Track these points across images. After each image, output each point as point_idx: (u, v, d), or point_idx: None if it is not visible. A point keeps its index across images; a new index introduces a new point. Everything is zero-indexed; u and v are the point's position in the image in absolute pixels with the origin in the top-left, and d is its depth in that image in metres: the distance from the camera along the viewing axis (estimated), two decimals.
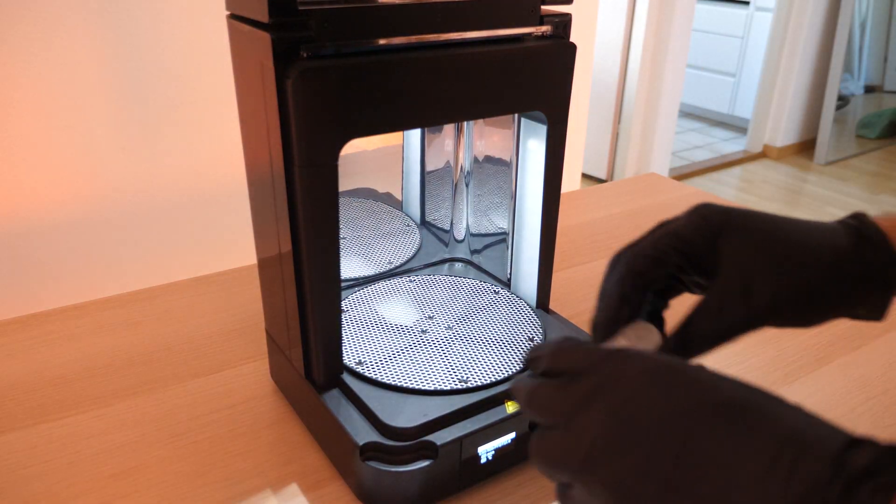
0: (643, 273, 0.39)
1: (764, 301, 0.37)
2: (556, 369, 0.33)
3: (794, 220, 0.40)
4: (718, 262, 0.38)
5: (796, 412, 0.29)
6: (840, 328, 0.78)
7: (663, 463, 0.28)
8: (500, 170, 0.82)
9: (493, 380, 0.56)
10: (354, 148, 0.84)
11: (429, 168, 0.81)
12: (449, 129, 0.74)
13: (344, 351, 0.59)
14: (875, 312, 0.39)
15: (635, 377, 0.30)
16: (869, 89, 3.78)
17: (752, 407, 0.29)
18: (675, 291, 0.42)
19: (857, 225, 0.38)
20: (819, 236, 0.38)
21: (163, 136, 1.13)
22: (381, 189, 0.86)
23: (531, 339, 0.62)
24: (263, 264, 0.61)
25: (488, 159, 0.81)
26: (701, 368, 0.31)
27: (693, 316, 0.39)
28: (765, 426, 0.28)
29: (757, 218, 0.39)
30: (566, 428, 0.31)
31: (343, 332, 0.60)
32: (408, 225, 0.82)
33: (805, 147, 3.81)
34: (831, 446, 0.27)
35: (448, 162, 0.76)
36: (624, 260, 0.39)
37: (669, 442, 0.28)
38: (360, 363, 0.58)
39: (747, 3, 3.84)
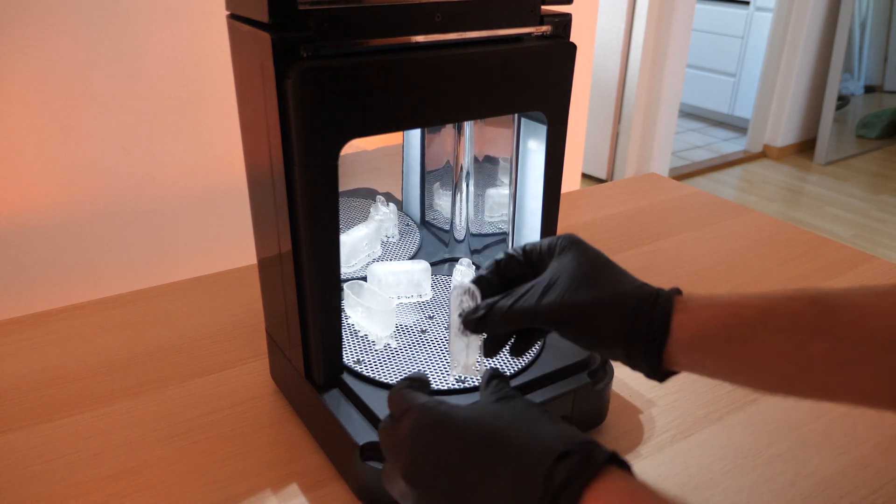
0: (501, 264, 0.50)
1: (553, 302, 0.44)
2: (391, 413, 0.44)
3: (619, 270, 0.46)
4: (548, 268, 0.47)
5: (536, 431, 0.36)
6: None
7: (443, 493, 0.38)
8: (500, 170, 0.82)
9: None
10: (354, 148, 0.85)
11: (429, 168, 0.81)
12: (449, 129, 0.74)
13: (344, 351, 0.59)
14: (643, 369, 0.43)
15: (420, 429, 0.40)
16: (869, 89, 3.78)
17: (496, 441, 0.37)
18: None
19: (655, 296, 0.43)
20: (624, 284, 0.44)
21: (163, 136, 1.13)
22: (381, 189, 0.86)
23: None
24: (263, 264, 0.61)
25: (488, 159, 0.81)
26: (460, 410, 0.40)
27: (498, 297, 0.47)
28: (505, 456, 0.36)
29: (593, 255, 0.47)
30: (394, 461, 0.42)
31: (343, 331, 0.60)
32: (408, 225, 0.82)
33: (805, 147, 3.81)
34: (546, 463, 0.34)
35: (448, 162, 0.76)
36: (494, 260, 0.51)
37: (444, 477, 0.38)
38: (359, 362, 0.58)
39: (747, 3, 3.84)
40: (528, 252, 0.50)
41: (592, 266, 0.46)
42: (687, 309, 0.41)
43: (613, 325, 0.43)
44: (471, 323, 0.47)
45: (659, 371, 0.42)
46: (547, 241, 0.49)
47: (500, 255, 0.51)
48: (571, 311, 0.44)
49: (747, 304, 0.39)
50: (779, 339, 0.38)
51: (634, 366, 0.43)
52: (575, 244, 0.48)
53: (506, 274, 0.50)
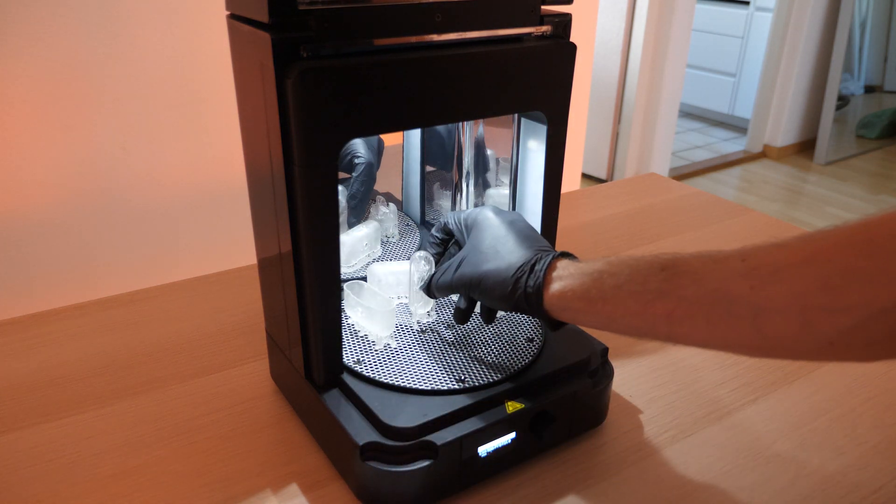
0: (433, 242, 0.65)
1: (459, 276, 0.57)
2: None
3: (515, 238, 0.56)
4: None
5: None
6: None
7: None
8: (500, 170, 0.82)
9: (493, 380, 0.56)
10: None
11: (429, 168, 0.81)
12: (449, 128, 0.74)
13: (344, 351, 0.59)
14: (541, 319, 0.53)
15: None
16: (869, 89, 3.77)
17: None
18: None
19: (533, 259, 0.53)
20: (512, 255, 0.54)
21: (163, 136, 1.13)
22: (381, 189, 0.86)
23: (531, 340, 0.62)
24: (263, 264, 0.61)
25: (488, 159, 0.81)
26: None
27: (434, 271, 0.61)
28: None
29: (494, 227, 0.57)
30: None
31: (343, 331, 0.60)
32: (408, 225, 0.82)
33: (805, 147, 3.81)
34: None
35: (448, 162, 0.76)
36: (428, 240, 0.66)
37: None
38: (359, 362, 0.58)
39: (747, 3, 3.84)
40: (457, 223, 0.62)
41: (490, 241, 0.56)
42: (559, 278, 0.51)
43: (498, 292, 0.54)
44: (423, 290, 0.62)
45: (551, 325, 0.53)
46: (467, 215, 0.61)
47: (439, 225, 0.64)
48: (471, 282, 0.56)
49: (609, 272, 0.47)
50: (629, 301, 0.46)
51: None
52: (478, 221, 0.59)
53: (444, 239, 0.64)
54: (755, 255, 0.41)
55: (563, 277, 0.50)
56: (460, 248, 0.61)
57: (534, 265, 0.53)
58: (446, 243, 0.64)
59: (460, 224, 0.61)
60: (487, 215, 0.59)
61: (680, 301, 0.43)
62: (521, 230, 0.57)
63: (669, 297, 0.43)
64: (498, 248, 0.56)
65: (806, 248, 0.39)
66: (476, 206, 0.77)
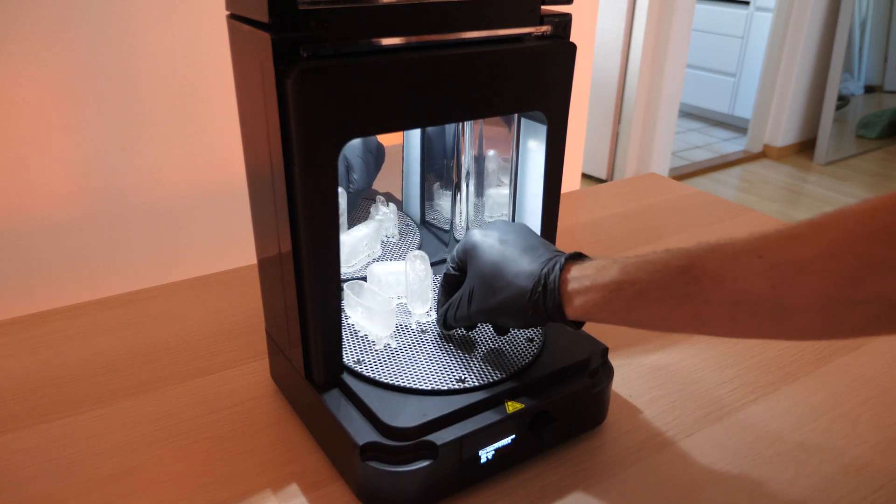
0: (445, 282, 0.62)
1: (475, 309, 0.56)
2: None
3: (512, 260, 0.55)
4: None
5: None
6: None
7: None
8: (500, 169, 0.82)
9: (493, 380, 0.56)
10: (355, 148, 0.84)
11: (429, 168, 0.81)
12: (449, 128, 0.74)
13: (344, 351, 0.59)
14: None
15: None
16: (869, 89, 3.77)
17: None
18: None
19: (545, 276, 0.52)
20: (519, 277, 0.53)
21: (163, 137, 1.13)
22: (381, 189, 0.86)
23: (531, 340, 0.62)
24: (263, 264, 0.61)
25: (488, 159, 0.81)
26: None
27: (447, 307, 0.60)
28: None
29: (488, 254, 0.56)
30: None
31: (343, 331, 0.60)
32: (408, 225, 0.82)
33: (805, 147, 3.81)
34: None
35: (448, 162, 0.76)
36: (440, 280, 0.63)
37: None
38: (359, 362, 0.58)
39: (747, 3, 3.84)
40: (457, 264, 0.60)
41: (491, 271, 0.55)
42: (576, 293, 0.50)
43: (521, 316, 0.53)
44: (439, 326, 0.61)
45: (575, 326, 0.55)
46: (459, 249, 0.60)
47: (443, 275, 0.62)
48: (491, 314, 0.56)
49: (628, 281, 0.47)
50: (653, 308, 0.46)
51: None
52: (474, 250, 0.58)
53: (450, 283, 0.61)
54: (771, 250, 0.41)
55: (581, 293, 0.50)
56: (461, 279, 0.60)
57: (545, 283, 0.52)
58: (453, 279, 0.61)
59: (459, 262, 0.60)
60: (477, 241, 0.58)
61: (704, 304, 0.43)
62: (516, 244, 0.56)
63: (693, 301, 0.44)
64: (502, 273, 0.54)
65: (822, 240, 0.39)
66: (476, 206, 0.77)
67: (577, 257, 0.53)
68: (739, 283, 0.42)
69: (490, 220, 0.81)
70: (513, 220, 0.68)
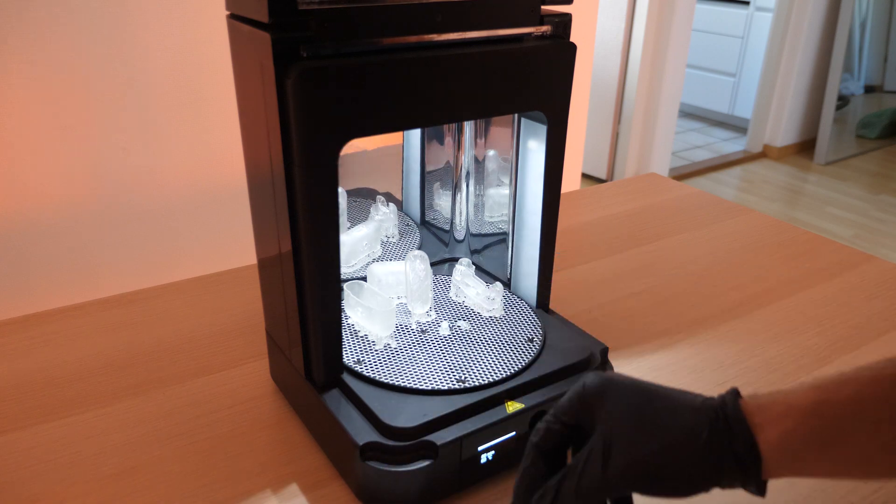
0: (543, 447, 0.43)
1: (620, 466, 0.39)
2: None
3: (665, 395, 0.41)
4: (593, 429, 0.42)
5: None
6: (840, 329, 0.78)
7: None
8: (500, 169, 0.82)
9: (493, 380, 0.56)
10: (354, 148, 0.84)
11: (429, 168, 0.81)
12: (449, 128, 0.74)
13: (344, 351, 0.59)
14: (748, 488, 0.39)
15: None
16: (869, 89, 3.77)
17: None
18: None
19: (720, 408, 0.39)
20: (683, 414, 0.40)
21: (163, 137, 1.13)
22: (381, 189, 0.86)
23: (531, 340, 0.62)
24: (263, 264, 0.61)
25: (488, 159, 0.81)
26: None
27: (562, 475, 0.41)
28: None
29: (631, 391, 0.42)
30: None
31: (343, 331, 0.60)
32: (408, 225, 0.82)
33: (805, 147, 3.81)
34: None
35: (448, 162, 0.76)
36: (531, 442, 0.44)
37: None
38: (359, 362, 0.58)
39: (747, 3, 3.84)
40: (566, 417, 0.43)
41: (640, 405, 0.41)
42: (767, 424, 0.38)
43: (693, 469, 0.38)
44: None
45: (761, 490, 0.39)
46: (576, 393, 0.43)
47: (536, 436, 0.44)
48: (643, 471, 0.39)
49: (829, 400, 0.36)
50: (877, 431, 0.35)
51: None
52: (608, 385, 0.42)
53: (548, 450, 0.43)
54: None
55: (775, 420, 0.37)
56: (582, 438, 0.43)
57: (724, 411, 0.39)
58: (552, 444, 0.44)
59: (573, 411, 0.43)
60: (607, 381, 0.43)
61: None
62: (657, 385, 0.43)
63: None
64: (657, 408, 0.40)
65: None
66: (476, 206, 0.77)
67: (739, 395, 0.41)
68: None
69: (490, 220, 0.81)
70: (513, 219, 0.67)
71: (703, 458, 0.38)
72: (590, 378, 0.43)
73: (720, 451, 0.38)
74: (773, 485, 0.56)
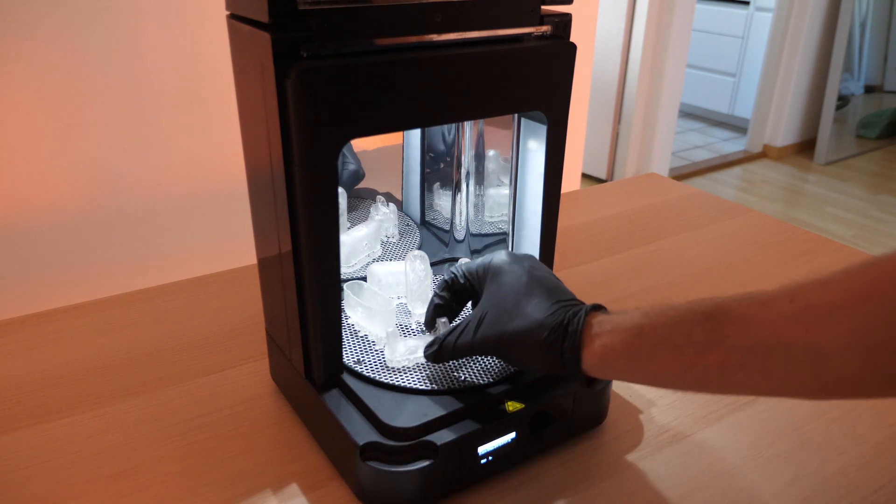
0: (450, 285, 0.59)
1: (484, 336, 0.52)
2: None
3: (544, 289, 0.52)
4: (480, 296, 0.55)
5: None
6: None
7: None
8: (500, 169, 0.82)
9: (493, 380, 0.56)
10: (354, 148, 0.85)
11: (429, 168, 0.81)
12: (449, 128, 0.74)
13: (344, 351, 0.59)
14: (575, 381, 0.50)
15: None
16: (869, 89, 3.77)
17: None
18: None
19: (569, 316, 0.49)
20: (541, 311, 0.50)
21: (163, 137, 1.13)
22: (381, 189, 0.86)
23: None
24: (263, 264, 0.61)
25: (488, 159, 0.81)
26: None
27: (447, 332, 0.55)
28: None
29: (516, 277, 0.53)
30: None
31: (343, 331, 0.60)
32: (408, 225, 0.82)
33: (805, 147, 3.81)
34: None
35: (448, 162, 0.76)
36: (443, 278, 0.59)
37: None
38: (359, 362, 0.58)
39: (747, 3, 3.84)
40: (468, 276, 0.58)
41: (513, 298, 0.52)
42: (596, 335, 0.47)
43: (530, 355, 0.50)
44: (430, 355, 0.56)
45: (584, 383, 0.50)
46: (480, 265, 0.56)
47: (448, 276, 0.59)
48: (497, 344, 0.52)
49: (649, 325, 0.45)
50: (676, 355, 0.43)
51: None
52: (498, 273, 0.54)
53: (455, 290, 0.59)
54: (803, 294, 0.38)
55: (601, 335, 0.47)
56: (472, 302, 0.56)
57: (566, 325, 0.49)
58: (455, 301, 0.59)
59: (473, 275, 0.57)
60: (504, 264, 0.54)
61: (731, 351, 0.40)
62: (542, 280, 0.53)
63: (719, 347, 0.41)
64: (521, 303, 0.51)
65: (857, 284, 0.37)
66: (476, 206, 0.77)
67: (603, 310, 0.50)
68: (769, 328, 0.39)
69: (490, 220, 0.81)
70: (513, 219, 0.68)
71: (540, 349, 0.49)
72: (497, 257, 0.56)
73: (552, 349, 0.49)
74: (774, 484, 0.57)
